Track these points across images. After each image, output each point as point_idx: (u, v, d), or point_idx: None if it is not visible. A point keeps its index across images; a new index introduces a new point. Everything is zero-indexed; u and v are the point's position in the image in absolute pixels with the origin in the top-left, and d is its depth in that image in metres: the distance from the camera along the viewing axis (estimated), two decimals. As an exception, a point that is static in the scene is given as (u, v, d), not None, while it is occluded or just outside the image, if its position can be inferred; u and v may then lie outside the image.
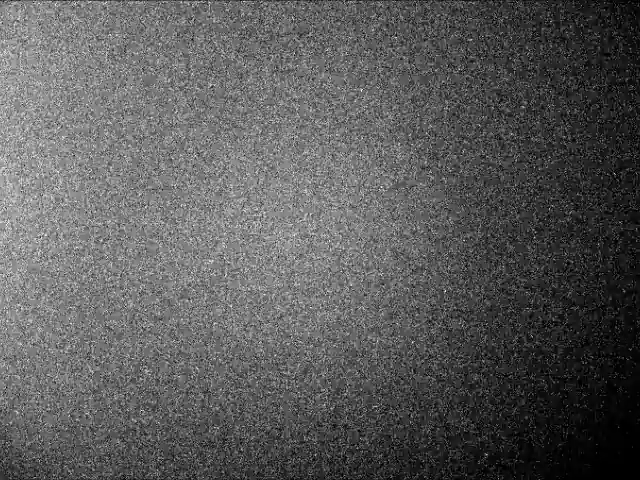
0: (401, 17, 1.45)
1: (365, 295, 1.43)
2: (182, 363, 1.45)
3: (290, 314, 1.44)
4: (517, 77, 1.43)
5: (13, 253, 1.48)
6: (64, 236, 1.48)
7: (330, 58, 1.45)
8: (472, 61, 1.44)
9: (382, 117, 1.44)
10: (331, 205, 1.44)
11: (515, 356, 1.42)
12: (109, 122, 1.48)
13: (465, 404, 1.42)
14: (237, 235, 1.45)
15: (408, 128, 1.44)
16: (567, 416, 1.42)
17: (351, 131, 1.45)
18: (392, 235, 1.43)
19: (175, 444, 1.45)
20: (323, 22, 1.46)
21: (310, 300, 1.44)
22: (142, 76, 1.48)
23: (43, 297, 1.48)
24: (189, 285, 1.45)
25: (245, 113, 1.46)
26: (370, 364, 1.43)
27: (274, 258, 1.44)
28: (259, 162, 1.45)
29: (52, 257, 1.48)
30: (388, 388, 1.43)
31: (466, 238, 1.43)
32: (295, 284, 1.44)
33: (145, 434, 1.45)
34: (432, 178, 1.43)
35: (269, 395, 1.44)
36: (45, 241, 1.48)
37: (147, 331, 1.46)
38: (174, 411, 1.45)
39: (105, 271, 1.47)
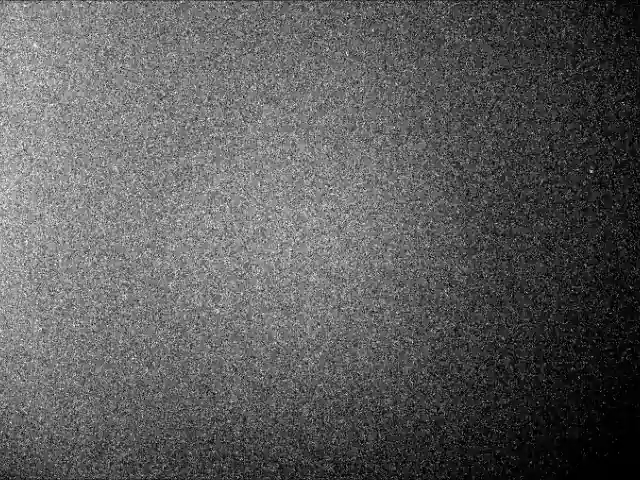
0: (404, 16, 1.45)
1: (365, 295, 1.43)
2: (182, 363, 1.45)
3: (289, 313, 1.44)
4: (522, 78, 1.43)
5: (14, 253, 1.48)
6: (65, 235, 1.48)
7: (331, 59, 1.45)
8: (477, 63, 1.44)
9: (383, 118, 1.44)
10: (331, 205, 1.44)
11: (517, 358, 1.42)
12: (110, 122, 1.48)
13: (465, 406, 1.42)
14: (237, 235, 1.45)
15: (411, 129, 1.44)
16: (569, 418, 1.42)
17: (352, 133, 1.45)
18: (393, 235, 1.43)
19: (176, 444, 1.45)
20: (328, 22, 1.46)
21: (311, 299, 1.44)
22: (144, 75, 1.48)
23: (44, 297, 1.48)
24: (190, 285, 1.45)
25: (245, 114, 1.46)
26: (370, 365, 1.43)
27: (273, 258, 1.44)
28: (260, 163, 1.45)
29: (53, 257, 1.47)
30: (388, 389, 1.43)
31: (467, 239, 1.43)
32: (296, 284, 1.44)
33: (146, 434, 1.45)
34: (434, 178, 1.44)
35: (269, 395, 1.44)
36: (46, 241, 1.48)
37: (148, 331, 1.46)
38: (175, 411, 1.45)
39: (107, 271, 1.47)
